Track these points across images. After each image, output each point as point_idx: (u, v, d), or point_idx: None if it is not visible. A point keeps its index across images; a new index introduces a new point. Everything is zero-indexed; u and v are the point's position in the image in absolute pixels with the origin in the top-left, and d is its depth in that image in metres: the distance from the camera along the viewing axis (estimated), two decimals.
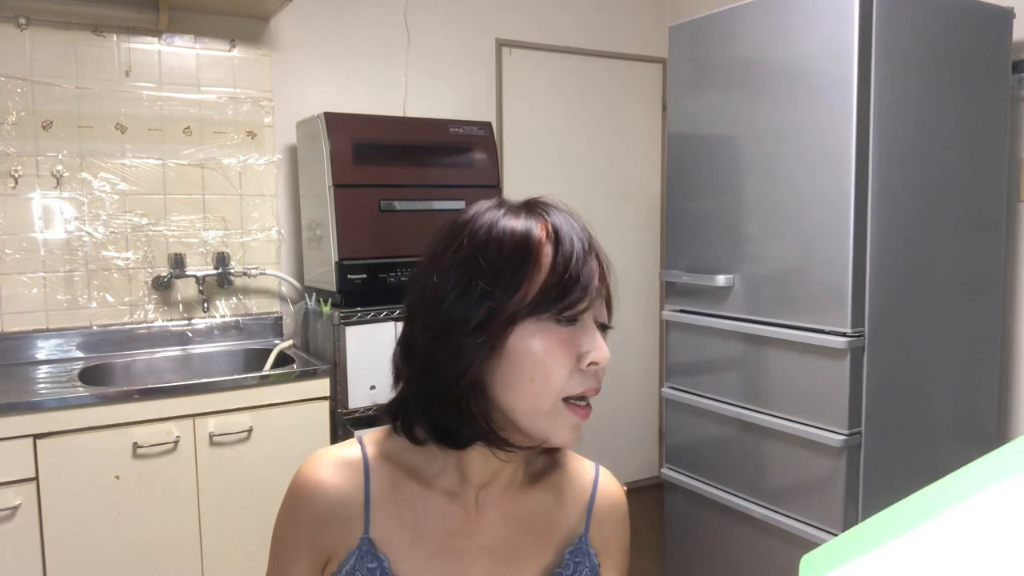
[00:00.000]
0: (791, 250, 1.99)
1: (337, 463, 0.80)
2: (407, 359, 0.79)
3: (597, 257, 0.77)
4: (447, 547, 0.79)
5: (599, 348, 0.74)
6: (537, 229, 0.75)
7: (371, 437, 0.84)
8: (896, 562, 0.46)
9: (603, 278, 0.77)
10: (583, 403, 0.74)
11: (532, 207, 0.78)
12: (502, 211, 0.77)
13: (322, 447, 0.87)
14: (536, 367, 0.72)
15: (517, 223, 0.75)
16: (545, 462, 0.88)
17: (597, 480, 0.91)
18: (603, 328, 0.77)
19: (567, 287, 0.72)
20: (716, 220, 2.19)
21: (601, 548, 0.88)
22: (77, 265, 2.40)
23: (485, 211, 0.77)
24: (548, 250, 0.74)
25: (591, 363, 0.73)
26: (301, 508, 0.79)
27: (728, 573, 2.26)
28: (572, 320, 0.73)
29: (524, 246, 0.74)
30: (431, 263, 0.77)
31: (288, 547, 0.80)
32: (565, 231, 0.75)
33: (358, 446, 0.82)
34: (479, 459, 0.79)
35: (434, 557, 0.79)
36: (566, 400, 0.73)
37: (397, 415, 0.80)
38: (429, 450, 0.80)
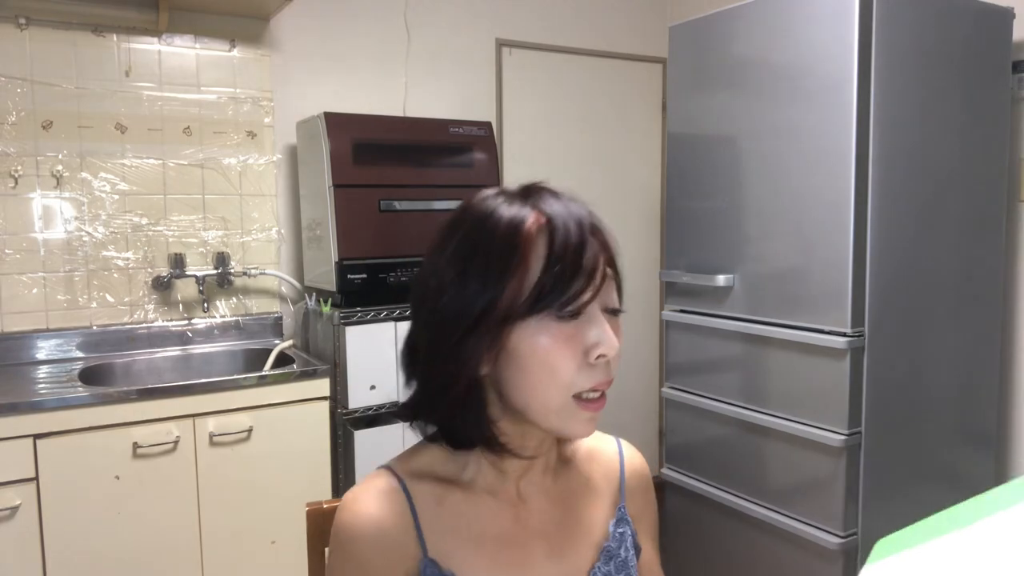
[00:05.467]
0: (791, 250, 1.99)
1: (376, 494, 0.77)
2: (412, 359, 0.79)
3: (600, 240, 0.74)
4: (507, 544, 0.79)
5: (607, 340, 0.71)
6: (529, 220, 0.71)
7: (397, 460, 0.82)
8: (961, 548, 0.49)
9: (610, 262, 0.74)
10: (595, 395, 0.73)
11: (528, 194, 0.75)
12: (499, 201, 0.74)
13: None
14: (542, 367, 0.70)
15: (509, 214, 0.72)
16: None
17: (622, 453, 0.94)
18: (613, 312, 0.74)
19: (564, 281, 0.70)
20: (716, 220, 2.19)
21: (635, 517, 0.90)
22: (77, 265, 2.40)
23: (480, 202, 0.76)
24: (542, 242, 0.71)
25: (599, 356, 0.71)
26: (356, 548, 0.75)
27: (728, 573, 2.26)
28: (575, 314, 0.71)
29: (513, 239, 0.70)
30: (431, 258, 0.76)
31: None
32: (560, 219, 0.72)
33: (388, 473, 0.80)
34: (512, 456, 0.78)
35: (497, 558, 0.78)
36: (577, 396, 0.72)
37: (415, 417, 0.80)
38: (459, 455, 0.80)
